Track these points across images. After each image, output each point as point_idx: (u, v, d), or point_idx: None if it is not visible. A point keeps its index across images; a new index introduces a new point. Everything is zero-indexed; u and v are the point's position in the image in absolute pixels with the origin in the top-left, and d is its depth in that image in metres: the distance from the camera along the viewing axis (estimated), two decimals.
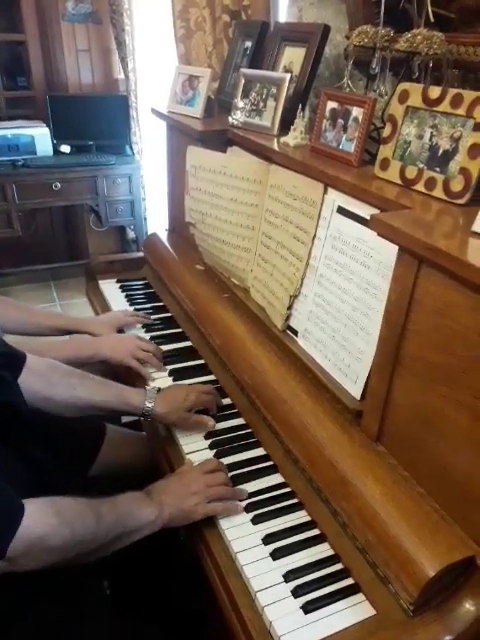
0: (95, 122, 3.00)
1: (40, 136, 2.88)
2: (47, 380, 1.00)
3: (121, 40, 2.86)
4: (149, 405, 1.04)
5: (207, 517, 0.89)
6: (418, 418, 0.80)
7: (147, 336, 1.40)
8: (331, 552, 0.84)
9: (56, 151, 2.96)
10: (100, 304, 1.61)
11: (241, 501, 0.92)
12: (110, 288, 1.65)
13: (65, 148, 3.00)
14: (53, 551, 0.75)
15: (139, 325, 1.45)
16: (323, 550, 0.84)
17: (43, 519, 0.74)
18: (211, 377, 1.25)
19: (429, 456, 0.79)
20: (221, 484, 0.91)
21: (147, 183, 3.10)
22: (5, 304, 1.39)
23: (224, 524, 0.88)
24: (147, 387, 1.09)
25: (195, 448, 1.04)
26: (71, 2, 2.95)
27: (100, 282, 1.68)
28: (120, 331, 1.41)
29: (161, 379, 1.24)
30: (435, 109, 0.84)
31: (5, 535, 0.70)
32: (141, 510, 0.85)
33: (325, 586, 0.79)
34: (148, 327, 1.44)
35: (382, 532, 0.77)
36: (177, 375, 1.25)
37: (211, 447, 1.04)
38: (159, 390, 1.08)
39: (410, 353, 0.80)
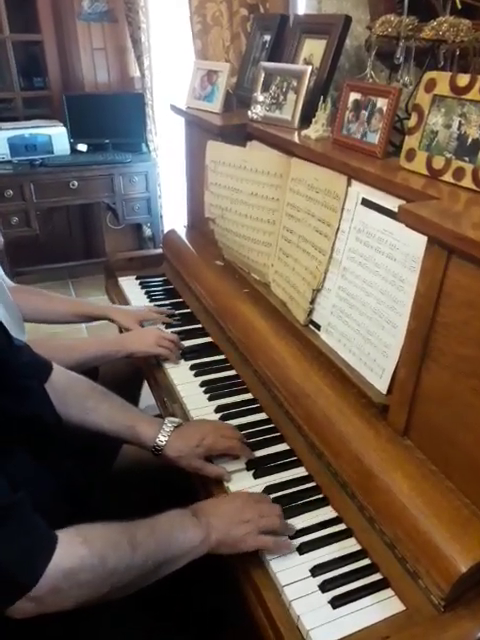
0: (111, 120, 3.01)
1: (57, 135, 2.91)
2: (62, 398, 0.96)
3: (137, 38, 2.87)
4: (161, 442, 0.96)
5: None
6: (447, 412, 0.79)
7: (163, 328, 1.40)
8: (358, 547, 0.83)
9: (73, 150, 2.98)
10: (120, 301, 1.61)
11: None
12: (130, 285, 1.66)
13: (82, 147, 3.02)
14: (83, 586, 0.68)
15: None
16: (350, 545, 0.83)
17: (71, 550, 0.67)
18: (232, 372, 1.25)
19: (459, 450, 0.78)
20: (275, 516, 0.84)
21: (162, 181, 3.11)
22: (28, 293, 1.41)
23: None
24: (166, 419, 1.00)
25: None
26: (87, 1, 2.96)
27: (120, 279, 1.69)
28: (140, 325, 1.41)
29: (180, 367, 1.25)
30: (464, 97, 0.82)
31: (35, 567, 0.64)
32: (185, 532, 0.77)
33: (353, 581, 0.78)
34: (168, 323, 1.45)
35: (411, 527, 0.76)
36: (198, 370, 1.25)
37: None
38: (179, 425, 0.99)
39: (439, 346, 0.78)
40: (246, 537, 0.80)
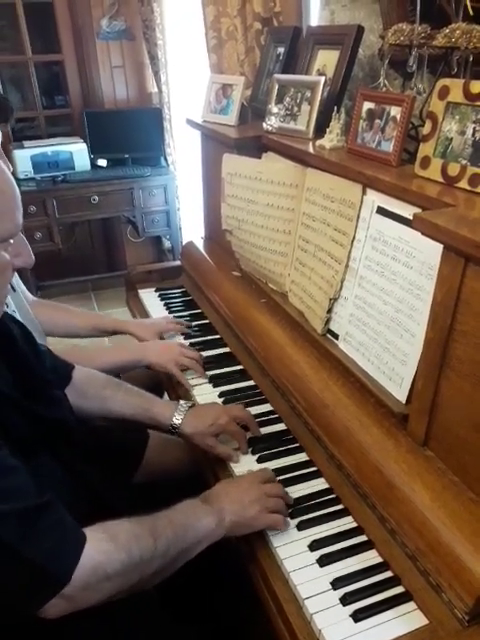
0: (130, 135, 3.06)
1: (78, 151, 2.97)
2: (82, 392, 1.02)
3: (154, 54, 2.92)
4: (177, 421, 1.02)
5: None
6: (468, 421, 0.77)
7: (186, 343, 1.41)
8: (380, 559, 0.82)
9: (93, 165, 3.05)
10: (140, 313, 1.64)
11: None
12: (149, 297, 1.68)
13: (102, 162, 3.08)
14: (112, 578, 0.70)
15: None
16: (371, 557, 0.82)
17: (97, 546, 0.70)
18: (250, 382, 1.25)
19: None
20: (279, 495, 0.89)
21: (181, 193, 3.15)
22: (48, 307, 1.44)
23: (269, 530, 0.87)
24: (180, 401, 1.07)
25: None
26: (105, 20, 3.04)
27: (140, 291, 1.71)
28: (160, 337, 1.43)
29: (202, 386, 1.25)
30: (477, 104, 0.82)
31: (68, 563, 0.66)
32: (200, 520, 0.81)
33: (375, 594, 0.77)
34: (186, 334, 1.46)
35: (433, 539, 0.75)
36: (216, 381, 1.25)
37: (253, 453, 1.04)
38: (192, 405, 1.05)
39: (458, 355, 0.77)
40: (258, 515, 0.85)
